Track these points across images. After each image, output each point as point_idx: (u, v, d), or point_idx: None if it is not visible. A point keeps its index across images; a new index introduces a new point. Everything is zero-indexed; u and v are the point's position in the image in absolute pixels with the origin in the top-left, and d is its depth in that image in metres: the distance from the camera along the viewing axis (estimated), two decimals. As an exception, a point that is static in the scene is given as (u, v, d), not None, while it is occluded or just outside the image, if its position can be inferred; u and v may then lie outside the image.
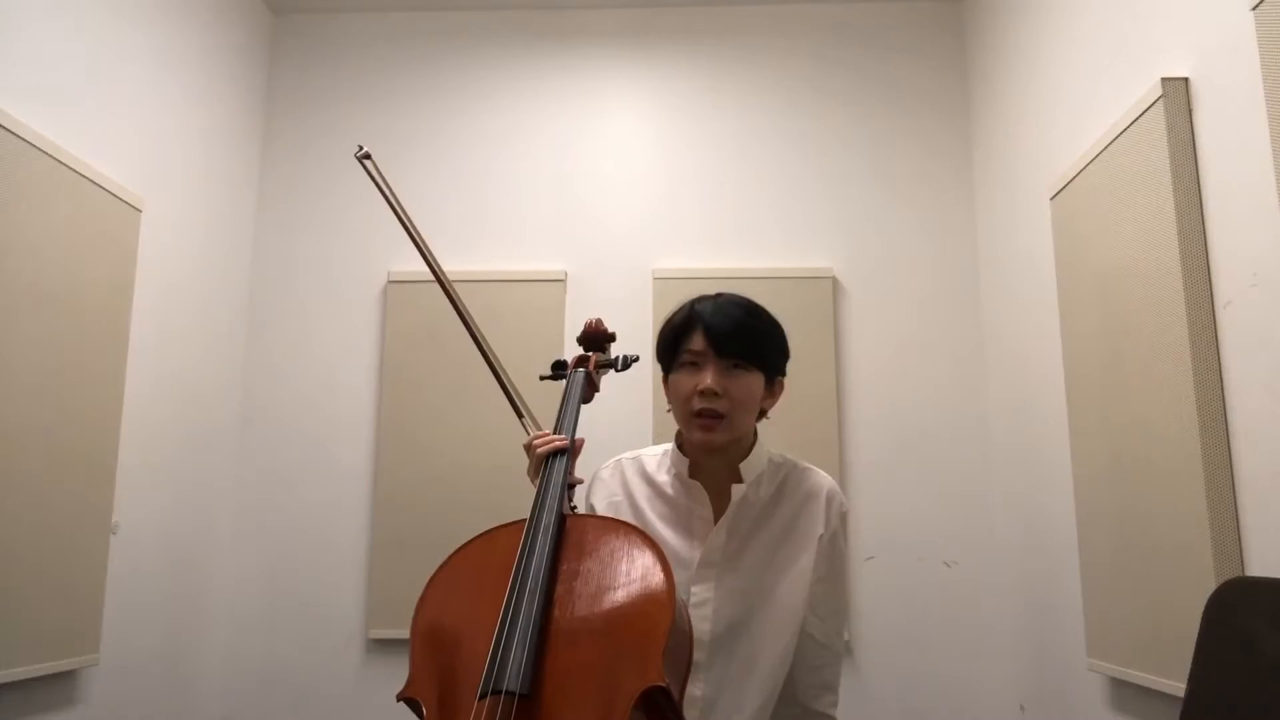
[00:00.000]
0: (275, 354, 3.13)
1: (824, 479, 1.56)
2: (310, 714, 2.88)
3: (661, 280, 3.04)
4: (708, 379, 1.43)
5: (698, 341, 1.46)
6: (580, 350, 1.71)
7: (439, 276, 1.65)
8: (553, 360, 1.74)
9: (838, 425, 2.95)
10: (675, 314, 1.53)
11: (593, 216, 3.18)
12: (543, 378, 1.71)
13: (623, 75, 3.29)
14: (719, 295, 1.53)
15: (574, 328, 3.05)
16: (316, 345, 3.13)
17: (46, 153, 2.13)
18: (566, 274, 3.12)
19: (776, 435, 2.82)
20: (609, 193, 3.19)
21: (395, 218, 1.66)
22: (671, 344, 1.50)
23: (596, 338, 1.72)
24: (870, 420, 3.00)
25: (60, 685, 2.22)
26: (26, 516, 2.05)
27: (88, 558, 2.27)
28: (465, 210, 3.18)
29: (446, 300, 1.67)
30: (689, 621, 1.37)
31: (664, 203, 3.18)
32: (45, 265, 2.12)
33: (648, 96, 3.27)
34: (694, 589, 1.45)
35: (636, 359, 1.68)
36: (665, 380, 1.54)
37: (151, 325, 2.55)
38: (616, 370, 1.69)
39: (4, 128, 2.00)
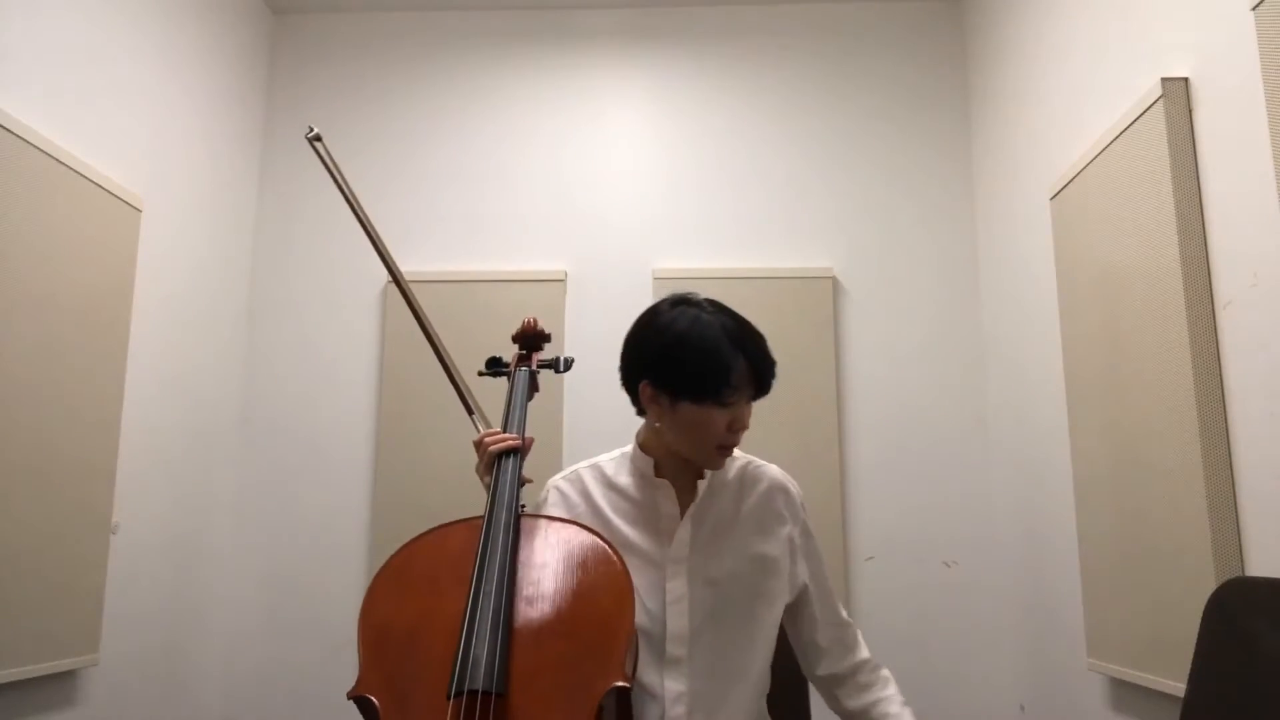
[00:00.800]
0: (275, 354, 3.13)
1: (778, 471, 1.60)
2: (310, 714, 2.88)
3: (661, 280, 3.04)
4: (746, 419, 1.45)
5: (743, 382, 1.41)
6: (516, 349, 1.74)
7: (384, 257, 1.65)
8: (547, 359, 1.76)
9: (838, 425, 2.95)
10: (713, 344, 1.41)
11: (593, 216, 3.17)
12: (481, 373, 1.72)
13: (623, 75, 3.29)
14: (748, 326, 1.46)
15: (575, 328, 3.09)
16: (316, 345, 3.12)
17: (46, 153, 2.13)
18: (566, 274, 3.12)
19: (777, 433, 2.84)
20: (609, 193, 3.19)
21: (345, 203, 1.66)
22: (715, 378, 1.39)
23: (534, 337, 1.75)
24: (870, 420, 3.00)
25: (60, 685, 2.22)
26: (26, 517, 2.05)
27: (88, 558, 2.27)
28: (465, 210, 3.18)
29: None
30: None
31: (664, 203, 3.18)
32: (45, 265, 2.12)
33: (648, 96, 3.27)
34: (668, 585, 1.46)
35: (573, 361, 1.73)
36: (670, 402, 1.44)
37: (151, 325, 2.55)
38: (557, 372, 1.73)
39: (4, 127, 2.00)
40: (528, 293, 3.06)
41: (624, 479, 1.55)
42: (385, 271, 3.07)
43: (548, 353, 1.76)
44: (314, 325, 3.14)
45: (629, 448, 1.58)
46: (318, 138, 1.67)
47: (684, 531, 1.49)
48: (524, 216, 3.18)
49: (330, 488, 3.02)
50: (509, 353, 1.77)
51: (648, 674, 1.43)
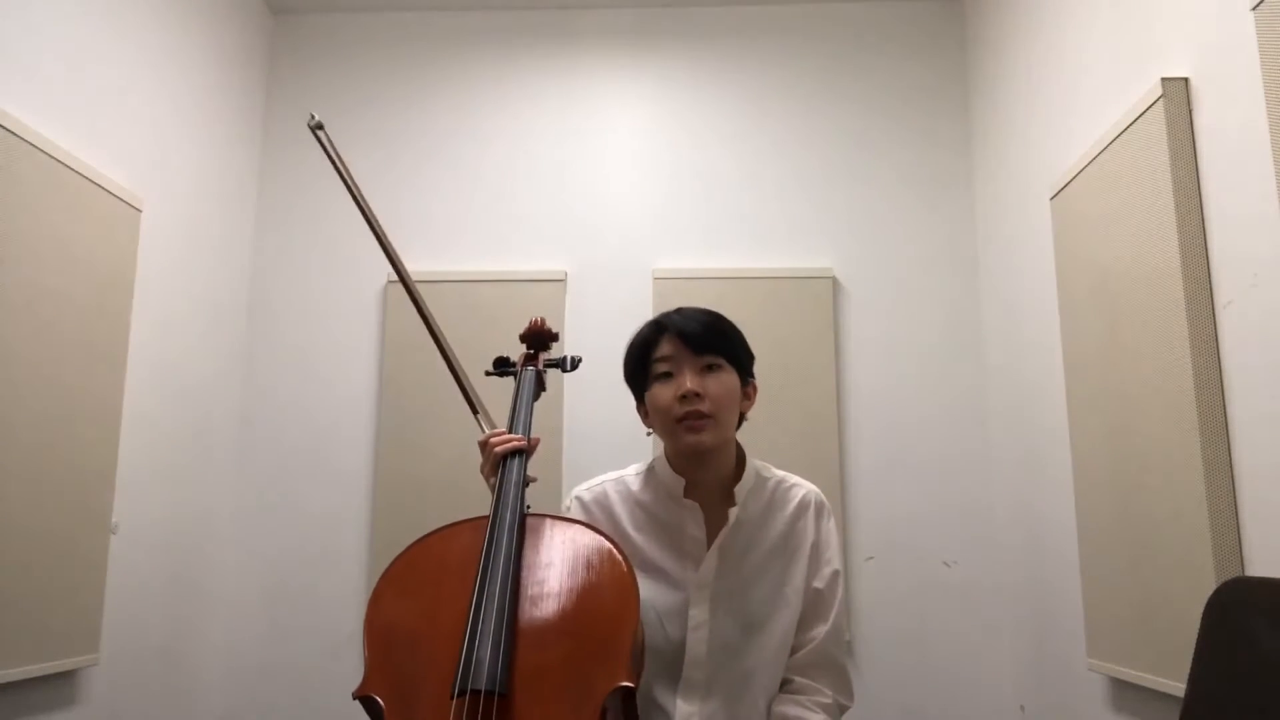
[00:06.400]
0: (275, 355, 3.13)
1: (809, 489, 1.56)
2: (310, 713, 2.88)
3: (661, 280, 3.04)
4: (686, 382, 1.43)
5: (667, 347, 1.46)
6: (524, 348, 1.73)
7: (387, 250, 1.62)
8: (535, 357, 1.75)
9: (838, 425, 2.95)
10: (638, 334, 1.53)
11: (593, 216, 3.17)
12: (488, 373, 1.71)
13: (623, 75, 3.28)
14: (679, 309, 1.53)
15: (575, 328, 3.09)
16: (316, 346, 3.12)
17: (46, 153, 2.13)
18: (566, 274, 3.12)
19: (777, 433, 2.84)
20: (609, 192, 3.19)
21: (348, 193, 1.63)
22: (640, 358, 1.49)
23: (541, 336, 1.75)
24: (870, 420, 3.00)
25: (60, 685, 2.22)
26: (26, 516, 2.05)
27: (88, 558, 2.27)
28: (465, 210, 3.18)
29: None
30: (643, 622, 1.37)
31: (664, 203, 3.18)
32: (45, 265, 2.12)
33: (648, 96, 3.26)
34: (691, 612, 1.45)
35: (580, 360, 1.72)
36: (640, 402, 1.53)
37: (151, 325, 2.55)
38: (564, 371, 1.73)
39: (4, 128, 2.00)
40: (528, 293, 3.06)
41: (649, 496, 1.53)
42: (385, 271, 3.09)
43: (555, 352, 1.76)
44: (314, 325, 3.14)
45: (652, 461, 1.57)
46: (319, 125, 1.64)
47: (711, 560, 1.47)
48: (524, 216, 3.18)
49: (330, 488, 3.02)
50: (513, 352, 1.76)
51: (662, 693, 1.42)
